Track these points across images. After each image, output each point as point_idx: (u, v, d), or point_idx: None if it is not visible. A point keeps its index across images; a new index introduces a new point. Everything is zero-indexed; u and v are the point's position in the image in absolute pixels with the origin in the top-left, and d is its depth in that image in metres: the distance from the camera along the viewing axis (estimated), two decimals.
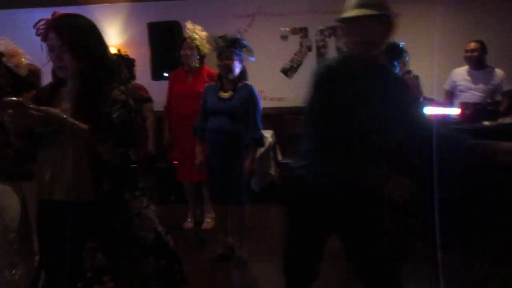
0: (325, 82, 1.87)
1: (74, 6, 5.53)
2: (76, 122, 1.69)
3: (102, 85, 1.79)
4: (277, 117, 5.23)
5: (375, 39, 1.82)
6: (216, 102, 3.28)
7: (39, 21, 1.79)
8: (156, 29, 5.15)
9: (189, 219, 4.38)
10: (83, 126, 1.70)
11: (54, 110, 1.68)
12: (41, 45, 1.82)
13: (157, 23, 5.18)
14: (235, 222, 3.52)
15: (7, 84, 2.68)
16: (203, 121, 3.36)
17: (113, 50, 5.43)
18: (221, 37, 3.30)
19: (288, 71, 5.61)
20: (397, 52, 3.68)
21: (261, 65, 5.39)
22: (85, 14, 5.75)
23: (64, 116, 1.69)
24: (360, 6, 1.79)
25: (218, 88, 3.31)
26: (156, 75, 5.07)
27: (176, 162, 4.36)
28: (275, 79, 5.56)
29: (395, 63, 3.63)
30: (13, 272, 2.82)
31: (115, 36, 5.55)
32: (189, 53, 4.01)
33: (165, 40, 4.95)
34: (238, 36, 3.33)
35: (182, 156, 4.16)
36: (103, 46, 1.88)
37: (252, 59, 3.34)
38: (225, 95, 3.26)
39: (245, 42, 3.29)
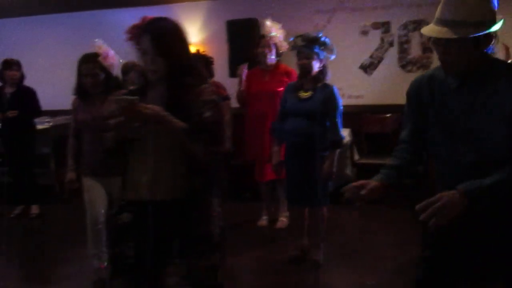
0: (419, 98, 1.74)
1: (156, 5, 5.78)
2: (176, 121, 1.75)
3: (191, 87, 1.85)
4: (355, 116, 5.07)
5: (459, 60, 1.56)
6: (295, 102, 3.22)
7: (132, 26, 1.89)
8: (234, 27, 5.22)
9: (263, 217, 4.39)
10: (182, 124, 1.76)
11: (157, 108, 1.75)
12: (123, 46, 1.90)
13: (235, 20, 5.25)
14: (312, 224, 3.47)
15: (102, 82, 2.88)
16: (281, 122, 3.33)
17: (193, 49, 5.62)
18: (300, 35, 3.23)
19: (367, 68, 5.42)
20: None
21: (340, 62, 5.24)
22: (165, 13, 5.98)
23: (164, 114, 1.74)
24: (441, 23, 1.53)
25: (298, 88, 3.26)
26: (234, 73, 5.14)
27: (251, 160, 4.38)
28: (354, 76, 5.39)
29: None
30: (101, 260, 3.03)
31: (194, 34, 5.70)
32: (266, 51, 3.99)
33: (243, 38, 5.00)
34: (319, 34, 3.22)
35: (258, 156, 4.16)
36: (189, 48, 1.95)
37: (333, 57, 3.24)
38: (305, 95, 3.20)
39: (325, 40, 3.19)
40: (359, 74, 5.42)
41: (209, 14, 5.63)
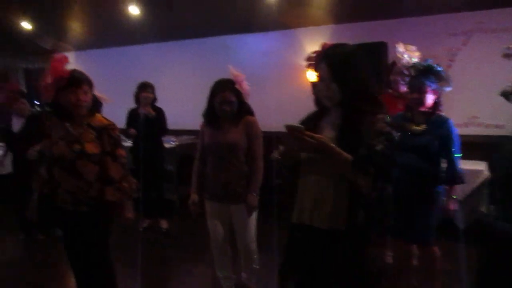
0: None
1: (281, 30, 5.95)
2: (343, 153, 1.74)
3: (366, 116, 1.81)
4: (494, 147, 4.58)
5: None
6: (407, 136, 2.94)
7: (312, 53, 2.00)
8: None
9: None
10: (348, 157, 1.74)
11: (326, 139, 1.76)
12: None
13: (361, 44, 5.14)
14: (422, 263, 3.20)
15: (235, 109, 2.90)
16: None
17: (314, 73, 5.64)
18: (412, 66, 3.00)
19: (509, 95, 4.88)
20: None
21: (477, 88, 4.85)
22: (289, 38, 6.11)
23: (333, 146, 1.74)
24: None
25: (408, 120, 2.98)
26: None
27: None
28: (493, 103, 4.89)
29: None
30: (230, 284, 3.20)
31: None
32: (398, 79, 3.77)
33: (371, 63, 4.85)
34: (432, 63, 2.94)
35: None
36: (368, 75, 1.91)
37: (448, 89, 2.94)
38: (417, 128, 2.95)
39: (440, 70, 2.90)
40: (499, 101, 4.90)
41: (333, 38, 5.60)
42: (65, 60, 2.47)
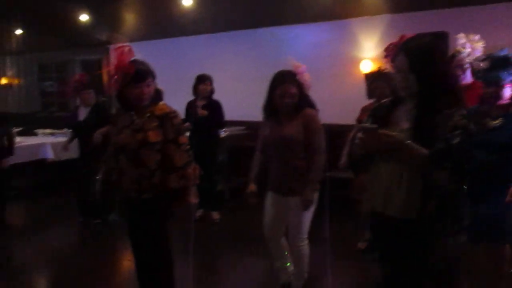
0: None
1: (333, 21, 5.87)
2: (417, 148, 1.75)
3: (442, 108, 1.81)
4: None
5: None
6: (482, 131, 2.75)
7: (390, 44, 2.00)
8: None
9: None
10: (424, 152, 1.74)
11: (401, 137, 1.78)
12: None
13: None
14: (489, 264, 3.05)
15: (296, 102, 2.85)
16: None
17: (369, 65, 5.54)
18: (485, 58, 2.81)
19: None
20: None
21: None
22: (342, 28, 6.00)
23: (408, 143, 1.76)
24: None
25: (483, 114, 2.81)
26: None
27: None
28: None
29: None
30: (287, 274, 3.16)
31: (370, 49, 5.62)
32: (459, 73, 3.60)
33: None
34: (507, 53, 2.74)
35: None
36: (447, 67, 1.94)
37: None
38: (493, 123, 2.77)
39: None
40: None
41: (387, 28, 5.46)
42: (130, 53, 2.54)
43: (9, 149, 4.92)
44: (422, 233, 1.84)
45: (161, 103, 2.71)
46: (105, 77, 2.56)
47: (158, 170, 2.59)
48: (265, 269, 3.82)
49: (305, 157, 2.87)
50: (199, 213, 5.10)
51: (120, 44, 2.55)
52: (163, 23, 7.13)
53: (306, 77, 2.87)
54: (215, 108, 4.93)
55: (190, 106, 4.95)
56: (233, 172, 6.07)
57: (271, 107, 2.93)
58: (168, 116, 2.61)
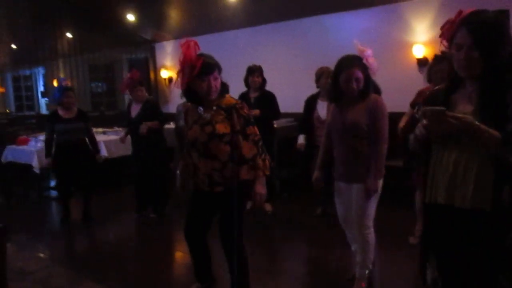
0: None
1: (382, 5, 5.79)
2: (489, 130, 1.63)
3: (508, 88, 1.70)
4: None
5: None
6: None
7: (446, 21, 1.82)
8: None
9: None
10: (496, 134, 1.63)
11: (470, 118, 1.66)
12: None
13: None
14: None
15: (362, 86, 2.79)
16: None
17: (422, 49, 5.44)
18: None
19: None
20: None
21: None
22: (392, 13, 5.88)
23: (478, 124, 1.63)
24: None
25: None
26: None
27: None
28: None
29: None
30: (364, 272, 3.07)
31: (423, 32, 5.51)
32: None
33: None
34: None
35: None
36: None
37: None
38: None
39: None
40: None
41: (441, 10, 5.31)
42: (196, 46, 2.58)
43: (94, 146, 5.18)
44: (497, 225, 1.70)
45: (227, 95, 2.76)
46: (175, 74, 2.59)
47: (229, 162, 2.64)
48: (319, 257, 3.90)
49: (369, 143, 2.82)
50: (250, 204, 5.08)
51: (186, 39, 2.60)
52: (208, 19, 7.26)
53: (372, 61, 2.80)
54: (269, 99, 4.96)
55: (243, 98, 4.99)
56: (283, 163, 6.14)
57: (336, 92, 2.88)
58: (235, 108, 2.65)
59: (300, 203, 5.51)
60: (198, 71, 2.56)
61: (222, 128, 2.62)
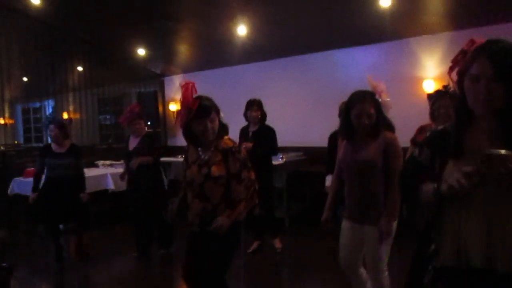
0: None
1: (389, 41, 5.87)
2: None
3: None
4: None
5: None
6: None
7: (459, 52, 1.69)
8: None
9: None
10: None
11: None
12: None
13: None
14: None
15: (374, 122, 2.73)
16: None
17: (432, 84, 5.48)
18: None
19: None
20: None
21: None
22: (401, 48, 5.89)
23: None
24: None
25: None
26: None
27: None
28: None
29: None
30: None
31: (432, 68, 5.56)
32: None
33: None
34: None
35: None
36: None
37: None
38: None
39: None
40: None
41: (451, 45, 5.36)
42: (193, 89, 2.67)
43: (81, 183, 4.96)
44: None
45: (226, 137, 2.79)
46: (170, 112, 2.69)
47: (222, 204, 2.67)
48: None
49: (383, 183, 2.73)
50: (254, 245, 5.04)
51: (186, 81, 2.69)
52: (216, 53, 7.38)
53: (385, 96, 2.74)
54: (265, 134, 4.91)
55: (243, 132, 5.01)
56: (292, 198, 6.12)
57: (347, 128, 2.82)
58: (231, 151, 2.69)
59: (311, 239, 5.45)
60: (194, 114, 2.62)
61: (217, 170, 2.66)
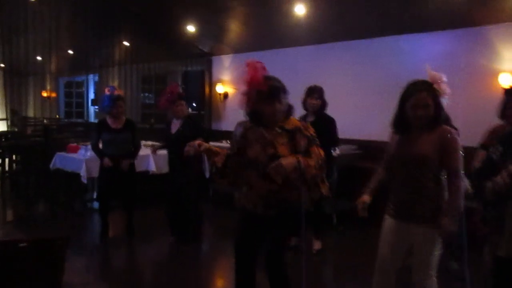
0: None
1: (466, 27, 5.66)
2: None
3: None
4: None
5: None
6: None
7: None
8: None
9: None
10: None
11: None
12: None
13: None
14: None
15: (431, 115, 2.67)
16: None
17: (509, 79, 5.26)
18: None
19: None
20: None
21: None
22: (476, 36, 5.69)
23: None
24: None
25: None
26: None
27: None
28: None
29: None
30: None
31: (511, 60, 5.34)
32: None
33: None
34: None
35: None
36: None
37: None
38: None
39: None
40: None
41: None
42: (262, 69, 2.66)
43: (134, 153, 5.24)
44: None
45: (292, 117, 2.84)
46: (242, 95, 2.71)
47: (287, 185, 2.69)
48: None
49: (437, 180, 2.68)
50: (293, 241, 4.81)
51: (251, 59, 2.70)
52: (270, 34, 7.34)
53: (445, 87, 2.67)
54: (325, 125, 4.78)
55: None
56: (342, 194, 6.05)
57: (401, 120, 2.77)
58: (299, 129, 2.74)
59: (356, 239, 5.39)
60: (265, 96, 2.65)
61: (284, 150, 2.68)
